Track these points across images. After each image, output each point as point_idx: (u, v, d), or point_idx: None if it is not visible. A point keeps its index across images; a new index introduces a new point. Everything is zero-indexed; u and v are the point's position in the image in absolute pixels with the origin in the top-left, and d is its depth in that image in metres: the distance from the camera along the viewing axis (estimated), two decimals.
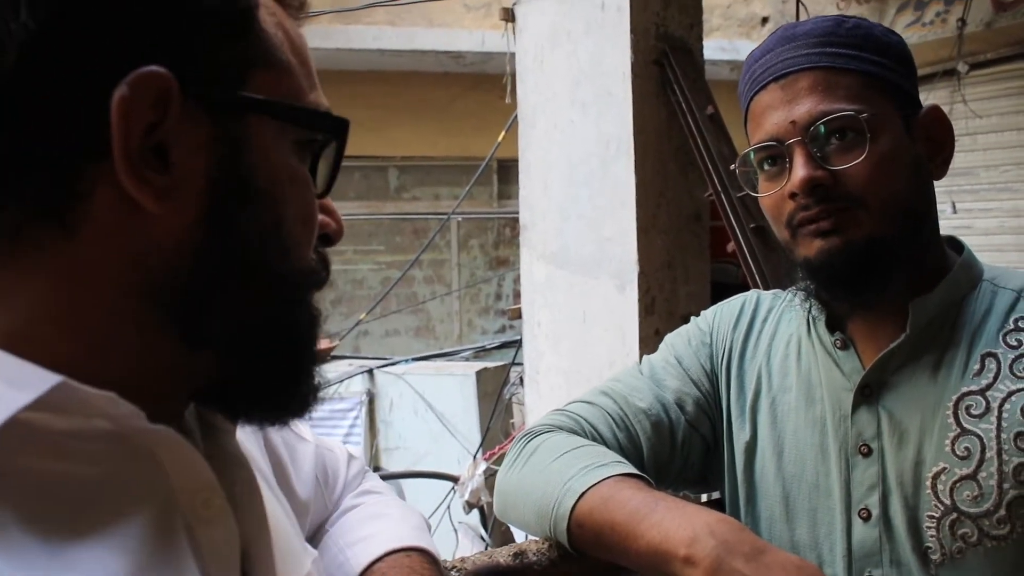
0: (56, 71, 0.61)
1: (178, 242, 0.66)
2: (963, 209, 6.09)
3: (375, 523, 1.09)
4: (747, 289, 1.54)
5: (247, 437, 0.95)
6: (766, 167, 1.26)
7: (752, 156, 1.27)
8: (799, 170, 1.19)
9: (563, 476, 1.22)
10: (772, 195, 1.25)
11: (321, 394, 0.78)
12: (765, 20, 7.97)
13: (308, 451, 1.13)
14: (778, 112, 1.22)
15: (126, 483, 0.66)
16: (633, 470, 1.21)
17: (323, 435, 1.23)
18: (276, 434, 1.06)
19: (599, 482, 1.18)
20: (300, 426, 1.14)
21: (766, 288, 1.53)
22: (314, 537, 1.11)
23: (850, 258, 1.19)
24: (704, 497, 1.53)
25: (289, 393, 0.76)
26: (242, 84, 0.68)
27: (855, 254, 1.19)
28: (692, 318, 1.51)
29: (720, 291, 1.93)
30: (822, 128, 1.19)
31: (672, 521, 1.08)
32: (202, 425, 0.79)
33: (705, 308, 1.52)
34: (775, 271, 2.75)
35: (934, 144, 1.27)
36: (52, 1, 0.60)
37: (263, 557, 0.77)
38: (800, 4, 5.40)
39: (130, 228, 0.64)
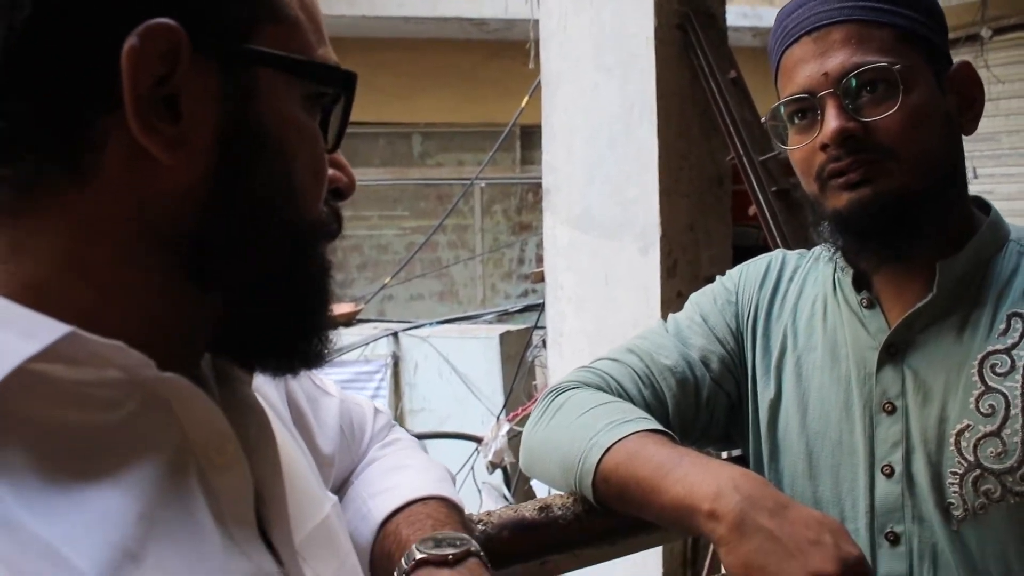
0: (69, 23, 0.62)
1: (189, 190, 0.67)
2: (984, 174, 6.05)
3: (397, 475, 1.11)
4: (768, 252, 1.54)
5: (268, 386, 0.96)
6: (796, 120, 1.26)
7: (783, 109, 1.27)
8: (831, 121, 1.19)
9: (589, 431, 1.23)
10: (803, 148, 1.25)
11: (334, 345, 0.80)
12: None
13: (332, 405, 1.14)
14: (810, 64, 1.22)
15: (139, 430, 0.67)
16: (658, 426, 1.21)
17: None
18: (298, 388, 1.08)
19: (625, 437, 1.18)
20: (325, 380, 1.15)
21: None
22: (341, 488, 1.12)
23: (882, 208, 1.20)
24: (725, 454, 1.54)
25: (300, 342, 0.78)
26: (251, 38, 0.69)
27: (886, 205, 1.19)
28: (718, 277, 1.51)
29: (741, 254, 1.93)
30: (853, 81, 1.19)
31: (697, 476, 1.09)
32: (218, 375, 0.80)
33: (727, 271, 1.53)
34: (796, 234, 2.75)
35: (964, 99, 1.27)
36: None
37: (277, 500, 0.79)
38: None
39: (142, 177, 0.65)
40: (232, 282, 0.72)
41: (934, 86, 1.23)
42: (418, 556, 0.93)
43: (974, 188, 1.34)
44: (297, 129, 0.73)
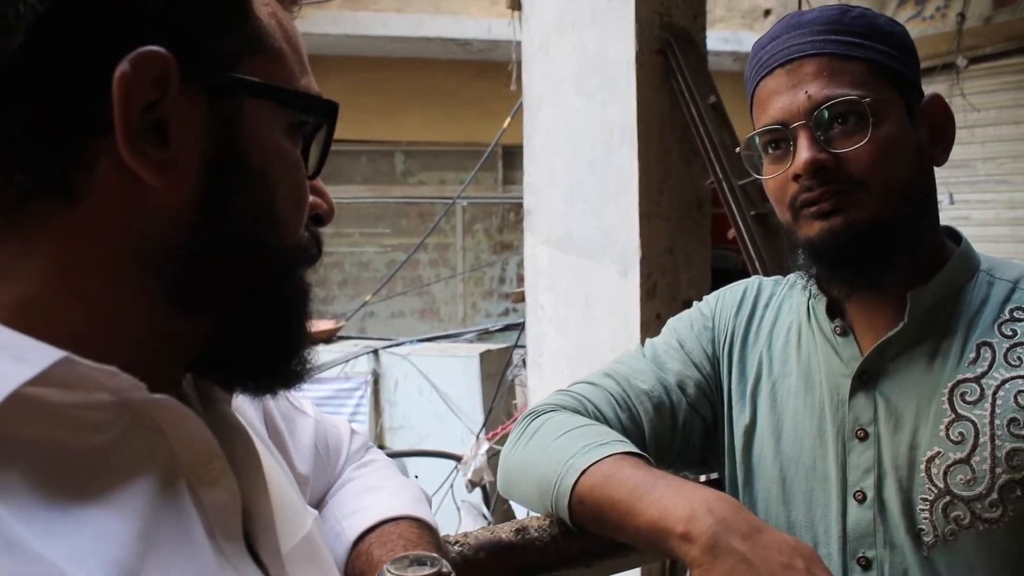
0: (62, 49, 0.63)
1: (176, 214, 0.68)
2: (960, 200, 6.11)
3: (370, 495, 1.12)
4: (746, 275, 1.55)
5: (247, 406, 0.98)
6: (770, 150, 1.28)
7: (757, 140, 1.29)
8: (803, 152, 1.21)
9: (565, 454, 1.24)
10: (776, 177, 1.27)
11: (312, 366, 0.81)
12: (767, 12, 7.99)
13: (308, 425, 1.15)
14: (783, 96, 1.24)
15: (131, 450, 0.68)
16: (634, 448, 1.23)
17: (329, 414, 1.25)
18: (275, 408, 1.09)
19: (600, 460, 1.20)
20: (302, 400, 1.16)
21: (765, 274, 1.55)
22: (316, 509, 1.13)
23: (853, 238, 1.21)
24: (703, 477, 1.55)
25: (279, 363, 0.79)
26: (238, 67, 0.71)
27: (857, 234, 1.21)
28: (695, 303, 1.53)
29: (720, 277, 1.95)
30: (826, 113, 1.21)
31: (671, 499, 1.10)
32: (199, 395, 0.82)
33: (706, 293, 1.54)
34: (775, 258, 2.77)
35: (935, 131, 1.29)
36: None
37: (264, 515, 0.80)
38: None
39: (131, 200, 0.66)
40: (216, 304, 0.73)
41: (905, 119, 1.25)
42: None
43: (950, 214, 1.37)
44: (280, 157, 0.74)
